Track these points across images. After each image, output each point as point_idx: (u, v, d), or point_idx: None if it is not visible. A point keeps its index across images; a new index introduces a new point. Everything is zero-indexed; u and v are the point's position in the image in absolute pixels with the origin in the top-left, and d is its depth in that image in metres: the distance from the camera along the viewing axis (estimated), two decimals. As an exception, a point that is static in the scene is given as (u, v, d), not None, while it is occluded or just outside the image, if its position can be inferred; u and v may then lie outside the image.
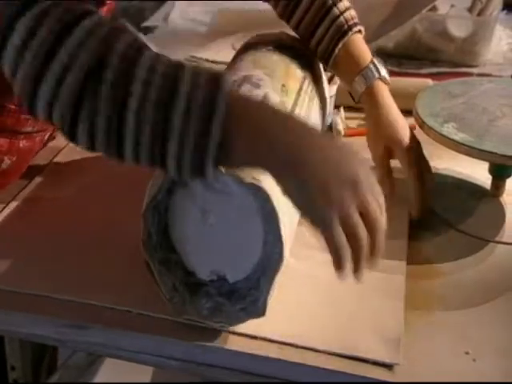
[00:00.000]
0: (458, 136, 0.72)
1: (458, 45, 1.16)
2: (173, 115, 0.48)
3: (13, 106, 0.71)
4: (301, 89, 0.71)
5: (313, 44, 0.77)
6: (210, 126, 0.48)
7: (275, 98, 0.64)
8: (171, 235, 0.60)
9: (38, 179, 0.82)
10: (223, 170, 0.55)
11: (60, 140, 0.90)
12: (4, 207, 0.76)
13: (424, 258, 0.71)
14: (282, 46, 0.75)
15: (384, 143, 0.75)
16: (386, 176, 0.75)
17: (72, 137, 0.51)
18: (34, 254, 0.69)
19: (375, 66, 0.75)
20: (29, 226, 0.74)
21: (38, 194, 0.80)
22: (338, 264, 0.49)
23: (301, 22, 0.77)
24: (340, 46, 0.75)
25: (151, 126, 0.48)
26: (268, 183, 0.55)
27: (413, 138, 0.75)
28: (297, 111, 0.67)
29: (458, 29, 1.16)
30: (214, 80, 0.49)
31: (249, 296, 0.58)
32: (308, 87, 0.74)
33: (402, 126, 0.75)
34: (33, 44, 0.49)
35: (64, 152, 0.88)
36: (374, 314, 0.62)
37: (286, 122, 0.51)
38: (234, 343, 0.59)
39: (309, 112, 0.72)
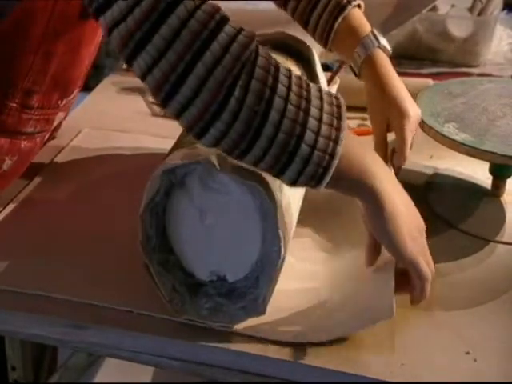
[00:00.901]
0: (459, 136, 0.72)
1: (458, 45, 1.16)
2: (304, 132, 0.52)
3: (14, 105, 0.71)
4: None
5: (312, 22, 0.77)
6: (335, 148, 0.52)
7: None
8: (169, 236, 0.60)
9: (37, 179, 0.82)
10: (219, 168, 0.55)
11: (60, 140, 0.91)
12: (4, 208, 0.76)
13: (424, 257, 0.71)
14: (279, 44, 0.75)
15: (387, 115, 0.73)
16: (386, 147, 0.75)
17: (201, 135, 0.52)
18: (34, 254, 0.69)
19: (375, 35, 0.75)
20: (29, 226, 0.74)
21: (37, 194, 0.80)
22: (423, 293, 0.61)
23: (299, 2, 0.77)
24: (340, 20, 0.75)
25: (285, 138, 0.51)
26: (266, 181, 0.55)
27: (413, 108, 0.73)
28: None
29: (459, 29, 1.16)
30: (336, 100, 0.55)
31: (248, 294, 0.58)
32: None
33: (405, 96, 0.73)
34: (176, 47, 0.49)
35: (64, 152, 0.88)
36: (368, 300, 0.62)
37: (375, 160, 0.58)
38: (235, 343, 0.59)
39: None
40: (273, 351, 0.58)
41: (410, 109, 0.72)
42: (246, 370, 0.59)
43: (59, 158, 0.87)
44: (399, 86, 0.74)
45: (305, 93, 0.52)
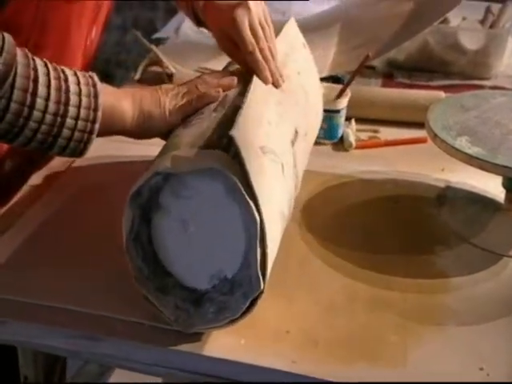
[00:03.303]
0: (472, 150, 0.72)
1: (470, 57, 1.15)
2: (68, 109, 0.62)
3: None
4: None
5: None
6: (95, 114, 0.63)
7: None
8: (163, 261, 0.61)
9: (50, 190, 0.83)
10: (176, 169, 0.56)
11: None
12: (16, 218, 0.76)
13: (437, 271, 0.71)
14: None
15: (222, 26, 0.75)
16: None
17: None
18: (46, 265, 0.69)
19: None
20: (41, 236, 0.74)
21: (50, 205, 0.80)
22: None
23: None
24: None
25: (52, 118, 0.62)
26: (223, 163, 0.56)
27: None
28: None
29: (470, 41, 1.15)
30: (91, 78, 0.65)
31: (244, 279, 0.58)
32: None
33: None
34: None
35: (76, 162, 0.89)
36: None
37: None
38: (250, 357, 0.59)
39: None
40: (285, 364, 0.58)
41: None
42: (259, 381, 0.59)
43: (71, 168, 0.87)
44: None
45: (63, 96, 0.62)
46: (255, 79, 0.68)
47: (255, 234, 0.56)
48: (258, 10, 0.74)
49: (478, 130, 0.76)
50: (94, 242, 0.73)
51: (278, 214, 0.61)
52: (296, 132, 0.69)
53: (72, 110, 0.62)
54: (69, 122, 0.62)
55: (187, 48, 1.29)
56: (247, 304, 0.58)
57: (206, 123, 0.64)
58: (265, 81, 0.70)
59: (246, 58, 0.71)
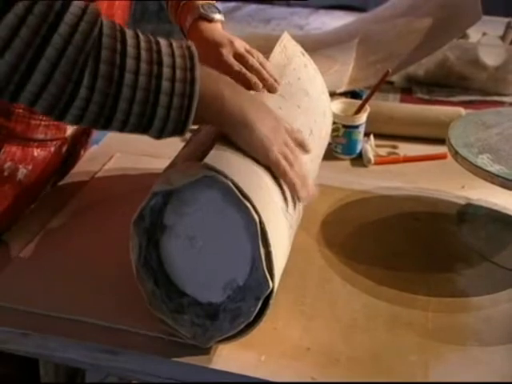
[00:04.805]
0: (494, 167, 0.72)
1: (490, 73, 1.15)
2: (158, 99, 0.56)
3: (20, 110, 0.71)
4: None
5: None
6: (192, 90, 0.56)
7: None
8: (175, 282, 0.61)
9: (71, 203, 0.83)
10: (181, 184, 0.57)
11: (93, 164, 0.92)
12: (39, 231, 0.77)
13: (458, 290, 0.71)
14: None
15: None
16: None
17: (60, 119, 0.56)
18: (69, 279, 0.70)
19: (204, 9, 0.80)
20: (63, 250, 0.74)
21: (72, 218, 0.80)
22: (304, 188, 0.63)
23: None
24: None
25: (140, 109, 0.56)
26: (222, 171, 0.56)
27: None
28: None
29: (490, 57, 1.15)
30: (187, 50, 0.58)
31: (254, 282, 0.58)
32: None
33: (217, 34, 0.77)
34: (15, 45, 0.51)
35: (97, 176, 0.89)
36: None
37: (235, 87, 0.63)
38: (270, 374, 0.59)
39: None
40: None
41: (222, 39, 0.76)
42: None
43: (93, 182, 0.88)
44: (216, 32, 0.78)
45: (155, 56, 0.56)
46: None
47: (256, 233, 0.56)
48: (241, 43, 0.77)
49: (500, 148, 0.76)
50: (117, 254, 0.73)
51: (280, 211, 0.61)
52: (298, 131, 0.69)
53: (165, 85, 0.56)
54: (165, 84, 0.56)
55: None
56: (259, 305, 0.58)
57: (203, 138, 0.65)
58: (257, 89, 0.72)
59: (236, 78, 0.72)
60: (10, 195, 0.75)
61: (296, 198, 0.64)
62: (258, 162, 0.62)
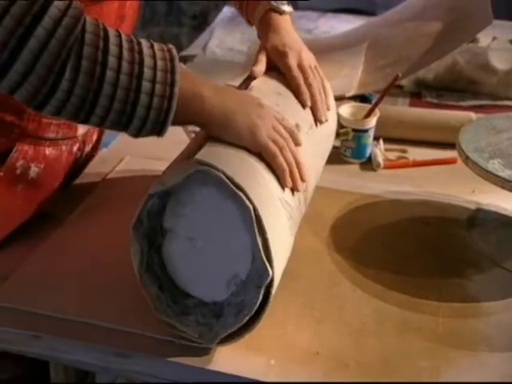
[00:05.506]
0: (505, 173, 0.71)
1: (500, 77, 1.14)
2: (139, 98, 0.57)
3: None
4: None
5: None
6: (172, 92, 0.58)
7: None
8: (180, 285, 0.61)
9: (82, 205, 0.84)
10: (174, 183, 0.57)
11: (104, 167, 0.92)
12: (50, 233, 0.77)
13: (468, 295, 0.70)
14: None
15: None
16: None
17: (39, 110, 0.57)
18: (79, 282, 0.70)
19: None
20: (74, 252, 0.75)
21: (82, 220, 0.81)
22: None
23: None
24: None
25: (120, 106, 0.56)
26: (214, 159, 0.57)
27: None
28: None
29: (501, 61, 1.15)
30: (168, 52, 0.59)
31: (254, 273, 0.57)
32: None
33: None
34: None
35: (108, 178, 0.90)
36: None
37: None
38: (279, 378, 0.59)
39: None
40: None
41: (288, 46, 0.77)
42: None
43: (103, 184, 0.89)
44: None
45: (137, 56, 0.57)
46: (253, 82, 0.73)
47: (251, 220, 0.56)
48: (308, 56, 0.79)
49: (511, 153, 0.75)
50: (127, 256, 0.72)
51: (276, 200, 0.61)
52: (297, 125, 0.70)
53: (146, 85, 0.57)
54: (143, 99, 0.57)
55: (214, 65, 1.30)
56: (261, 295, 0.57)
57: (199, 140, 0.65)
58: (305, 103, 0.75)
59: (291, 82, 0.75)
60: (22, 194, 0.75)
61: (289, 185, 0.64)
62: (251, 152, 0.62)
